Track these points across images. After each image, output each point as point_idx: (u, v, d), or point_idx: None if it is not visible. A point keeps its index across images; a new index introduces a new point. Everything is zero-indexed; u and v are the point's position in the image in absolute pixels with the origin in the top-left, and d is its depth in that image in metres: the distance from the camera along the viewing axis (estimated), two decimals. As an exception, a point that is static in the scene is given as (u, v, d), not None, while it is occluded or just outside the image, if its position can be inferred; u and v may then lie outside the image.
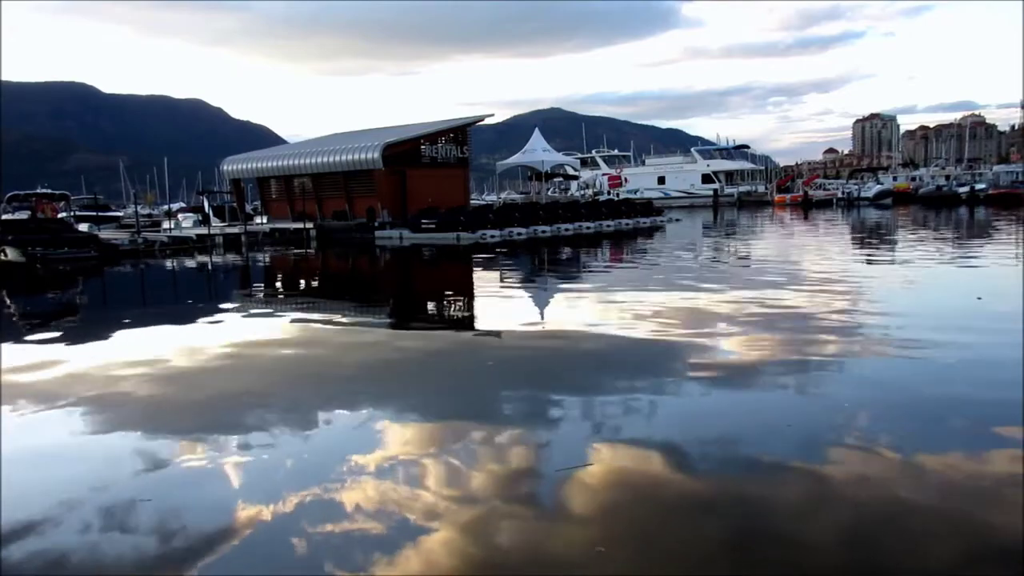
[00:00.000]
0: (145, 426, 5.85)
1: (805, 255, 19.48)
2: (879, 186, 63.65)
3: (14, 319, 13.54)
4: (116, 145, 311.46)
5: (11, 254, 22.69)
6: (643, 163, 77.55)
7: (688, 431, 5.29)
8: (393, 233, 31.09)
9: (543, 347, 8.80)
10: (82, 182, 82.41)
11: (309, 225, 33.08)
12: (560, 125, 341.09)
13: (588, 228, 33.30)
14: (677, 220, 40.93)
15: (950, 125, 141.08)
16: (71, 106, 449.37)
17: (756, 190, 67.69)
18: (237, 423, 5.85)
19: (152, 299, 16.64)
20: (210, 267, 23.97)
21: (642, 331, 9.16)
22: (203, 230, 33.27)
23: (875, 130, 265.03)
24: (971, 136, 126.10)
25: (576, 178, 59.26)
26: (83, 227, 31.92)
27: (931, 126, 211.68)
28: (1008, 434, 4.98)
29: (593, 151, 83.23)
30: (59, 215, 37.64)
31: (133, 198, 45.31)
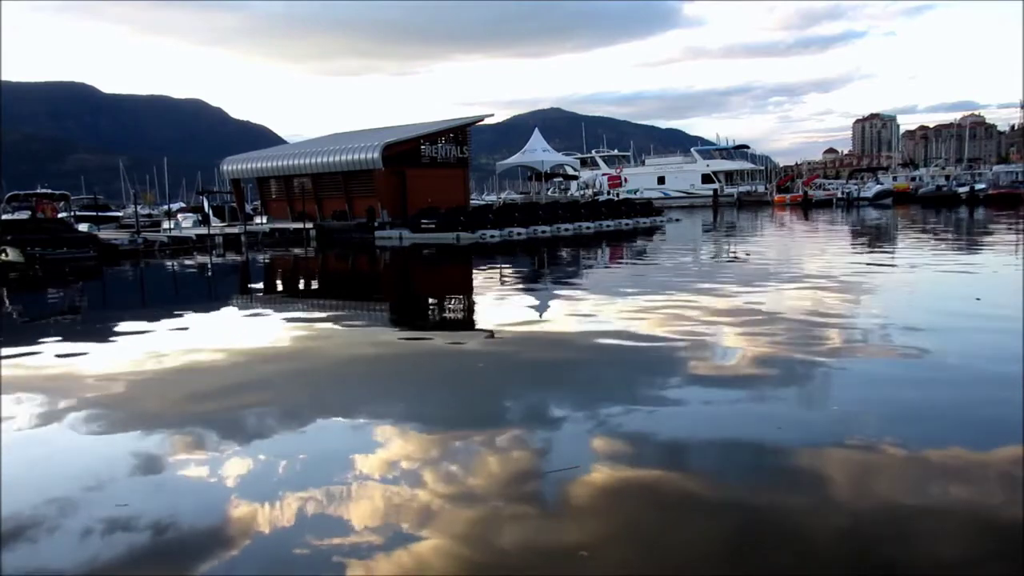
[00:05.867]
0: (142, 427, 5.84)
1: (805, 256, 19.48)
2: (879, 186, 63.57)
3: (12, 319, 13.55)
4: (116, 145, 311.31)
5: (11, 254, 22.69)
6: (643, 163, 77.57)
7: (682, 432, 5.29)
8: (393, 233, 31.09)
9: (539, 348, 8.79)
10: (82, 182, 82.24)
11: (309, 225, 33.06)
12: (560, 125, 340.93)
13: (588, 228, 33.31)
14: (677, 220, 40.92)
15: (950, 125, 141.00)
16: (71, 106, 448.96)
17: (756, 190, 67.66)
18: (234, 424, 5.84)
19: (150, 300, 16.64)
20: (210, 267, 23.97)
21: (639, 332, 9.14)
22: (203, 230, 33.27)
23: (875, 130, 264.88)
24: (971, 136, 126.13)
25: (576, 178, 59.37)
26: (83, 227, 31.91)
27: (931, 126, 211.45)
28: (1008, 435, 4.98)
29: (593, 151, 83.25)
30: (59, 215, 37.66)
31: (133, 198, 45.29)
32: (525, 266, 20.68)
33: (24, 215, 35.95)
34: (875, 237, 26.85)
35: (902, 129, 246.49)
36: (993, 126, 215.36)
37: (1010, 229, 26.83)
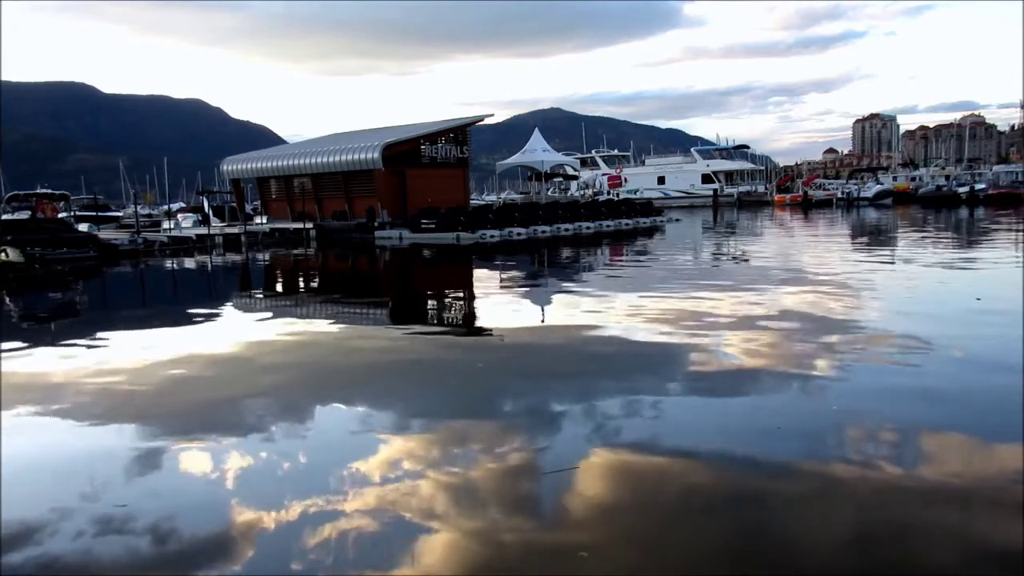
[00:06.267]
0: (142, 426, 5.84)
1: (805, 257, 19.46)
2: (879, 186, 63.55)
3: (12, 319, 13.55)
4: (116, 145, 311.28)
5: (11, 254, 22.69)
6: (643, 163, 77.55)
7: (681, 432, 5.29)
8: (393, 233, 31.09)
9: (539, 348, 8.78)
10: (82, 182, 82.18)
11: (309, 225, 33.07)
12: (560, 125, 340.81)
13: (588, 228, 33.31)
14: (677, 220, 40.92)
15: (950, 125, 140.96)
16: (71, 106, 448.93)
17: (756, 190, 67.65)
18: (232, 424, 5.85)
19: (150, 300, 16.64)
20: (209, 267, 23.97)
21: (638, 332, 9.15)
22: (203, 230, 33.27)
23: (875, 130, 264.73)
24: (971, 136, 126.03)
25: (576, 178, 59.32)
26: (83, 227, 31.91)
27: (931, 126, 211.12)
28: (1007, 437, 4.98)
29: (593, 151, 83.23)
30: (59, 215, 37.64)
31: (133, 198, 45.29)
32: (525, 266, 20.68)
33: (24, 215, 35.93)
34: (875, 237, 26.84)
35: (902, 129, 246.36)
36: (993, 126, 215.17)
37: (1010, 229, 26.83)
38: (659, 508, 4.09)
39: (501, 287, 15.73)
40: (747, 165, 71.81)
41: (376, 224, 32.39)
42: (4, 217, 32.89)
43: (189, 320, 12.08)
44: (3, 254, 22.67)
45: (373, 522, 3.93)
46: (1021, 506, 3.86)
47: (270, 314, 12.61)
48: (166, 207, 55.15)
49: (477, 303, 13.79)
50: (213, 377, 7.63)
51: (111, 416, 6.20)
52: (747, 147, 76.37)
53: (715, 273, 16.46)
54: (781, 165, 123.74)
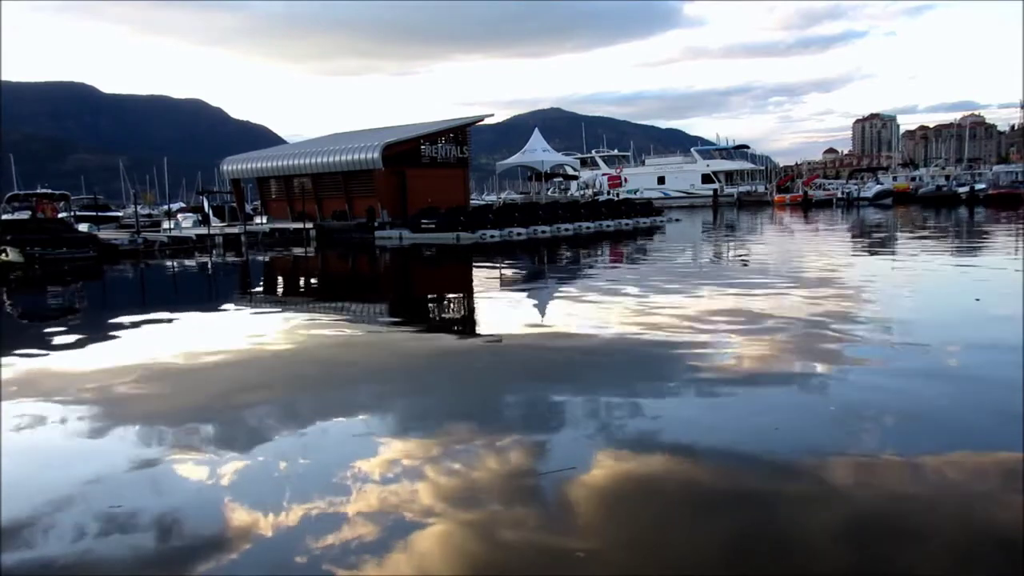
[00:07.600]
0: (142, 427, 5.84)
1: (804, 257, 19.47)
2: (879, 186, 63.53)
3: (12, 319, 13.56)
4: (116, 145, 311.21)
5: (11, 254, 22.71)
6: (643, 163, 77.57)
7: (679, 433, 5.29)
8: (393, 233, 31.09)
9: (538, 349, 8.77)
10: (82, 182, 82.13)
11: (309, 225, 33.07)
12: (560, 125, 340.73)
13: (588, 228, 33.31)
14: (677, 220, 40.92)
15: (950, 125, 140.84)
16: (71, 106, 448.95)
17: (756, 190, 67.64)
18: (233, 424, 5.85)
19: (150, 300, 16.63)
20: (210, 267, 23.97)
21: (639, 333, 9.14)
22: (203, 230, 33.27)
23: (875, 130, 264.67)
24: (971, 136, 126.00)
25: (576, 178, 59.35)
26: (83, 227, 31.91)
27: (931, 126, 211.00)
28: (1007, 438, 4.98)
29: (593, 151, 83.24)
30: (59, 215, 37.66)
31: (133, 198, 45.28)
32: (526, 266, 20.67)
33: (24, 215, 35.94)
34: (875, 238, 26.83)
35: (902, 129, 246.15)
36: (993, 126, 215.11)
37: (1010, 229, 26.82)
38: (658, 506, 4.09)
39: (502, 288, 15.73)
40: (747, 165, 71.80)
41: (376, 224, 32.39)
42: (4, 217, 32.91)
43: (189, 320, 12.07)
44: (3, 254, 22.70)
45: (371, 521, 3.93)
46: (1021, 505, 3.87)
47: (269, 314, 12.60)
48: (166, 207, 55.17)
49: (477, 304, 13.78)
50: (212, 376, 7.62)
51: (110, 415, 6.20)
52: (747, 147, 76.36)
53: (715, 275, 16.45)
54: (781, 165, 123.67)
